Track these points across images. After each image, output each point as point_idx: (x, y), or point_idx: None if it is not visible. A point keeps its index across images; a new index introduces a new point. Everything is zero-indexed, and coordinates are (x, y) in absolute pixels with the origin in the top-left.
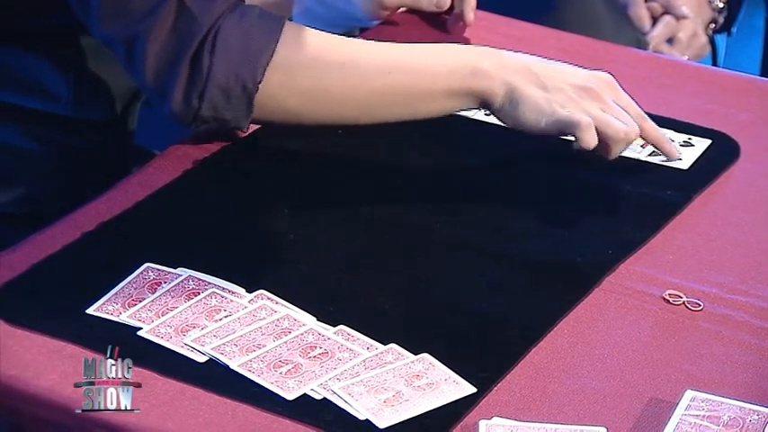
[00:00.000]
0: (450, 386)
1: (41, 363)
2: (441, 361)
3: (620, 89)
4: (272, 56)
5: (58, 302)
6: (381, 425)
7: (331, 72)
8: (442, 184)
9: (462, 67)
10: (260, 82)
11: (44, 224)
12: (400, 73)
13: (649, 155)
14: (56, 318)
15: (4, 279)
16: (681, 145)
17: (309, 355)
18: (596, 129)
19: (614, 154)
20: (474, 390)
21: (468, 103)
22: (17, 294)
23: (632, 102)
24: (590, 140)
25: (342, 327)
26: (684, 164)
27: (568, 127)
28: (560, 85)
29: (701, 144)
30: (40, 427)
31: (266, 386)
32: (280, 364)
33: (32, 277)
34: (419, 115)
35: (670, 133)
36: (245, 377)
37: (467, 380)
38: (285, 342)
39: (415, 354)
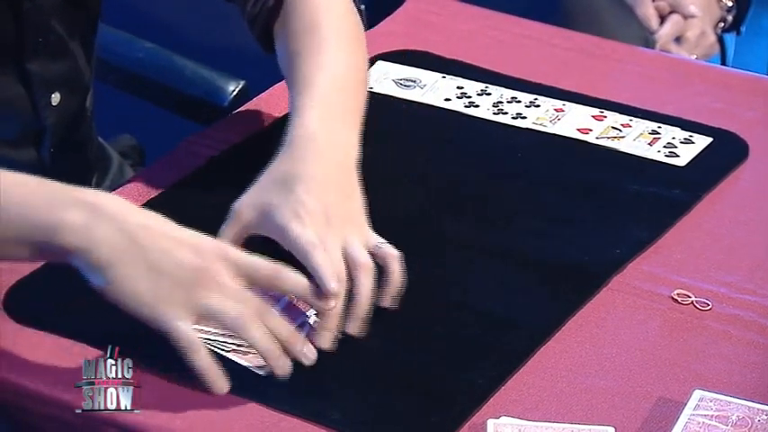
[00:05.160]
0: None
1: (42, 363)
2: (448, 360)
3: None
4: None
5: (65, 302)
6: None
7: None
8: (448, 184)
9: (46, 220)
10: None
11: None
12: None
13: (658, 151)
14: (62, 317)
15: (14, 279)
16: (681, 143)
17: None
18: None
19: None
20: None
21: (46, 257)
22: (26, 294)
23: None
24: (205, 365)
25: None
26: (682, 161)
27: (168, 334)
28: (168, 267)
29: (702, 141)
30: (44, 423)
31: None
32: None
33: (41, 277)
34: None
35: (675, 131)
36: (250, 375)
37: (475, 379)
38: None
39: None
